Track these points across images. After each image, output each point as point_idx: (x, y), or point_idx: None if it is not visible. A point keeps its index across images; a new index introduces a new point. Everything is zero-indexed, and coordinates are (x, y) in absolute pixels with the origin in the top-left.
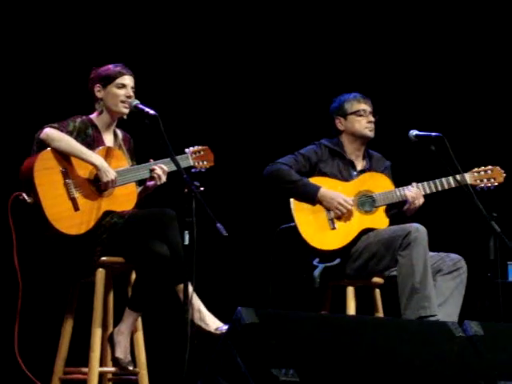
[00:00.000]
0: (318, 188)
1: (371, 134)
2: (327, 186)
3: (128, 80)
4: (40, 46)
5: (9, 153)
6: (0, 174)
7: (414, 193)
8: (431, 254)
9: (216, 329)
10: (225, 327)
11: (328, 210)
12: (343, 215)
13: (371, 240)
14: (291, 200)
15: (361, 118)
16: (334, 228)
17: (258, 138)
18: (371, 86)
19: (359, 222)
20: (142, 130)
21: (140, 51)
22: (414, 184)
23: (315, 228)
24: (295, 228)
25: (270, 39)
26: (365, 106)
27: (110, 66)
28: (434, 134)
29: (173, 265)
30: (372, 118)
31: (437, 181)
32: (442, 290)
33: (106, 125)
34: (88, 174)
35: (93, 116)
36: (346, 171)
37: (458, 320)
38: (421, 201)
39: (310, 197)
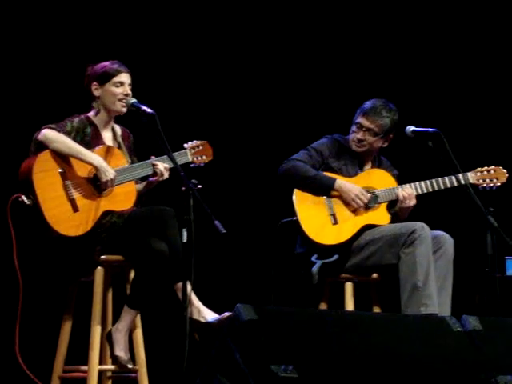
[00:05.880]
0: (334, 180)
1: (355, 148)
2: None
3: (125, 77)
4: (36, 46)
5: (7, 154)
6: None
7: (407, 193)
8: None
9: (213, 318)
10: (226, 314)
11: (345, 202)
12: (359, 208)
13: (374, 236)
14: (294, 193)
15: (355, 130)
16: (335, 223)
17: (256, 132)
18: (370, 82)
19: (361, 217)
20: (140, 127)
21: (136, 47)
22: (413, 184)
23: (317, 222)
24: (297, 222)
25: (273, 31)
26: (363, 121)
27: (107, 64)
28: (431, 129)
29: (172, 263)
30: (360, 136)
31: (433, 180)
32: None
33: (103, 122)
34: (87, 174)
35: (90, 114)
36: (352, 169)
37: (450, 306)
38: (411, 203)
39: (326, 189)
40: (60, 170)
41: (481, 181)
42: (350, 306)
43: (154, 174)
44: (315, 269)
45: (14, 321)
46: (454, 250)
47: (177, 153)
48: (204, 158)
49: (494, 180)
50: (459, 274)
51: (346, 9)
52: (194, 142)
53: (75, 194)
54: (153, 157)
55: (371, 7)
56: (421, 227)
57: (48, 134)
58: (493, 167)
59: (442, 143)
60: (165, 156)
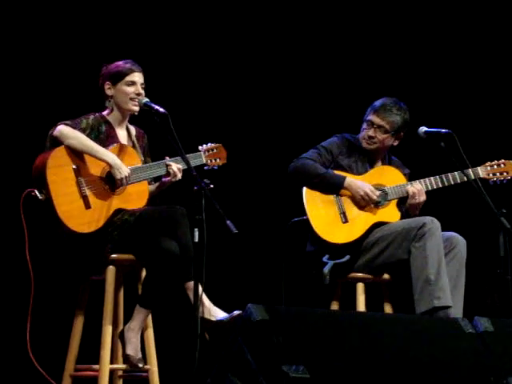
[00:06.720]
0: (343, 178)
1: (366, 145)
2: None
3: (137, 77)
4: (53, 43)
5: (22, 149)
6: (13, 171)
7: (416, 189)
8: None
9: (224, 317)
10: (236, 312)
11: (354, 200)
12: (369, 205)
13: (384, 233)
14: (304, 192)
15: (366, 128)
16: (345, 221)
17: (267, 131)
18: (381, 83)
19: (371, 215)
20: (155, 128)
21: (151, 47)
22: (422, 180)
23: (327, 221)
24: (307, 221)
25: (283, 33)
26: (374, 119)
27: (120, 63)
28: (443, 130)
29: (182, 262)
30: (371, 133)
31: (443, 176)
32: None
33: (118, 121)
34: (100, 172)
35: (105, 113)
36: (362, 167)
37: (462, 307)
38: (421, 198)
39: (336, 187)
40: (74, 167)
41: (491, 175)
42: (361, 306)
43: (167, 174)
44: (327, 269)
45: (26, 318)
46: (467, 251)
47: (192, 154)
48: (218, 160)
49: (505, 173)
50: (471, 275)
51: (357, 7)
52: (209, 144)
53: (88, 191)
54: (167, 157)
55: (383, 6)
56: (430, 221)
57: (63, 130)
58: (503, 161)
59: (454, 143)
60: (179, 157)
